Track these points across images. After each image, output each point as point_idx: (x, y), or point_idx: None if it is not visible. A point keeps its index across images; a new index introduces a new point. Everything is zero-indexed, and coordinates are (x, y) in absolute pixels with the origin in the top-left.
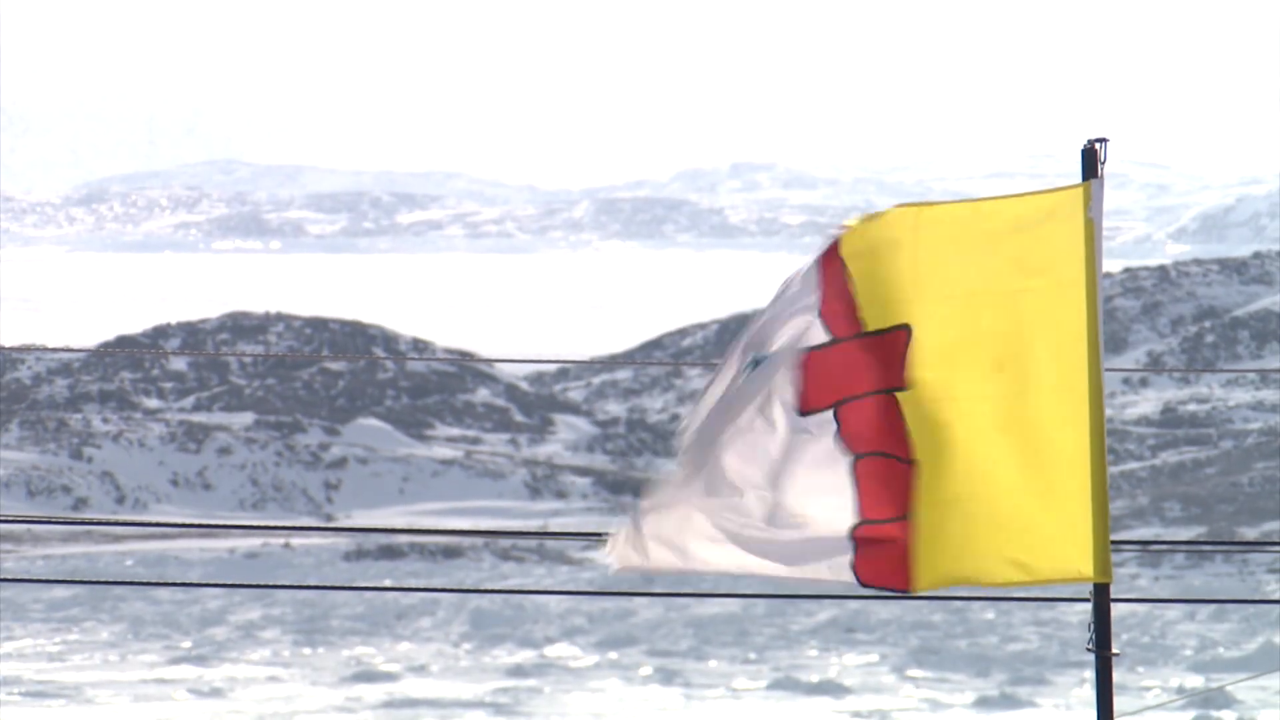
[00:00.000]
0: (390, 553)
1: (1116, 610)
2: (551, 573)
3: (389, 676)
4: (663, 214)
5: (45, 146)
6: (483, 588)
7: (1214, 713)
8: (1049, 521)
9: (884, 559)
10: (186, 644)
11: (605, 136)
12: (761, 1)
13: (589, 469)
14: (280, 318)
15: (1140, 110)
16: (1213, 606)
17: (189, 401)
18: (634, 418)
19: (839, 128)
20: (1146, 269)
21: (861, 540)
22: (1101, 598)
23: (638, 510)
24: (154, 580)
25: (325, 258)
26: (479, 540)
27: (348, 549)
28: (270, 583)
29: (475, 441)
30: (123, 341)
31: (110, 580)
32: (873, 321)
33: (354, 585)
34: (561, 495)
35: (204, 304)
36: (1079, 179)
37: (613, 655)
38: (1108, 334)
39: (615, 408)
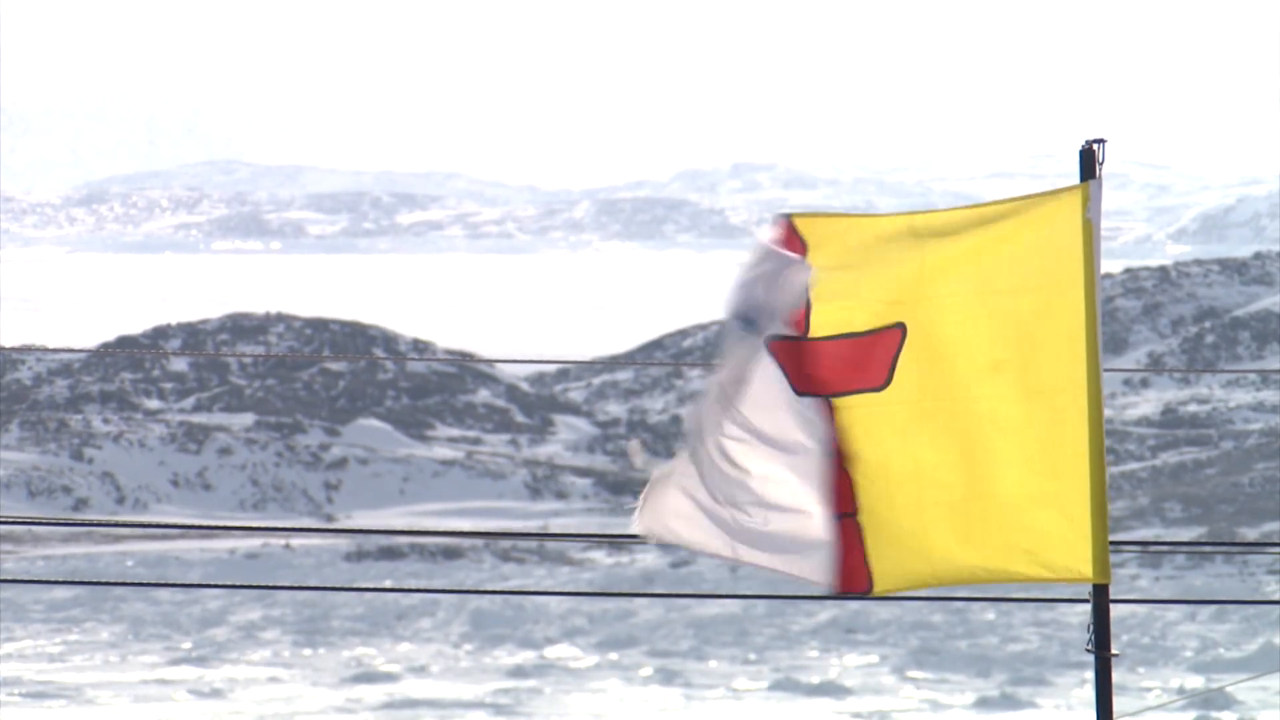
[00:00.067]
0: (391, 553)
1: (1117, 611)
2: (552, 573)
3: (389, 677)
4: (663, 214)
5: (45, 146)
6: (483, 588)
7: (1214, 713)
8: (1048, 522)
9: (842, 561)
10: (187, 645)
11: (605, 136)
12: (761, 1)
13: (589, 470)
14: (280, 318)
15: (1140, 110)
16: (1213, 607)
17: (189, 402)
18: (634, 418)
19: (839, 128)
20: (1147, 269)
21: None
22: (1101, 598)
23: (653, 480)
24: (154, 581)
25: (325, 258)
26: (479, 541)
27: (348, 550)
28: (270, 583)
29: (476, 442)
30: (123, 342)
31: (110, 581)
32: (847, 325)
33: (354, 586)
34: (562, 496)
35: (204, 304)
36: (1078, 179)
37: (613, 656)
38: (1108, 334)
39: (616, 408)
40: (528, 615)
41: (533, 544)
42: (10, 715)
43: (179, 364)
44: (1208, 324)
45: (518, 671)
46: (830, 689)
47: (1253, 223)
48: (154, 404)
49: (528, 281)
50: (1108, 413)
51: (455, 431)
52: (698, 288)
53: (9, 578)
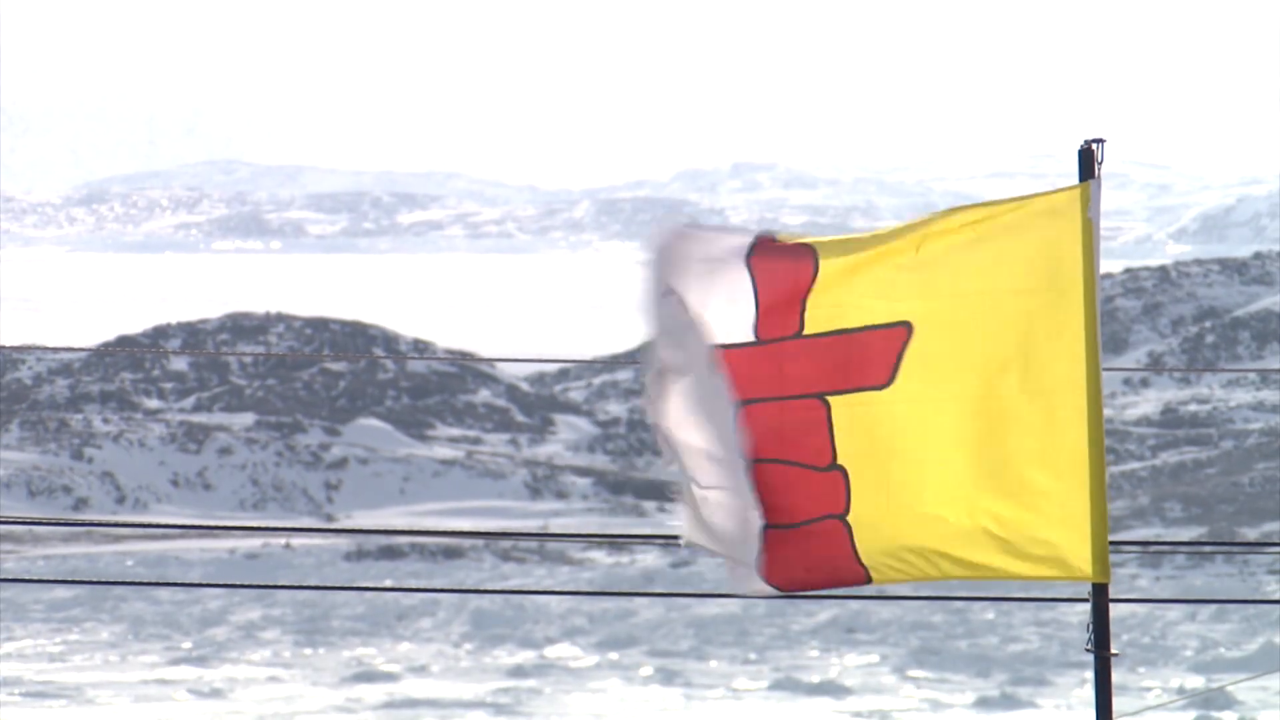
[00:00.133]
0: (391, 553)
1: (1117, 611)
2: (552, 573)
3: (389, 677)
4: (663, 214)
5: (45, 146)
6: (483, 588)
7: (1215, 713)
8: (1048, 521)
9: (822, 553)
10: (187, 644)
11: (605, 136)
12: (762, 1)
13: (590, 469)
14: (281, 318)
15: (1140, 110)
16: (1213, 607)
17: (189, 402)
18: (635, 418)
19: (839, 128)
20: (1147, 269)
21: (769, 543)
22: (1100, 598)
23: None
24: (154, 580)
25: (326, 258)
26: (479, 541)
27: (348, 549)
28: (271, 583)
29: (476, 442)
30: (123, 342)
31: (111, 580)
32: (840, 321)
33: (354, 586)
34: (562, 496)
35: (204, 304)
36: (1078, 179)
37: (613, 656)
38: (1108, 334)
39: (616, 408)
40: (528, 615)
41: (533, 544)
42: (10, 715)
43: (179, 364)
44: (1208, 324)
45: (518, 671)
46: (830, 689)
47: (1253, 223)
48: (154, 404)
49: (528, 281)
50: (1108, 412)
51: (455, 431)
52: None
53: (9, 577)
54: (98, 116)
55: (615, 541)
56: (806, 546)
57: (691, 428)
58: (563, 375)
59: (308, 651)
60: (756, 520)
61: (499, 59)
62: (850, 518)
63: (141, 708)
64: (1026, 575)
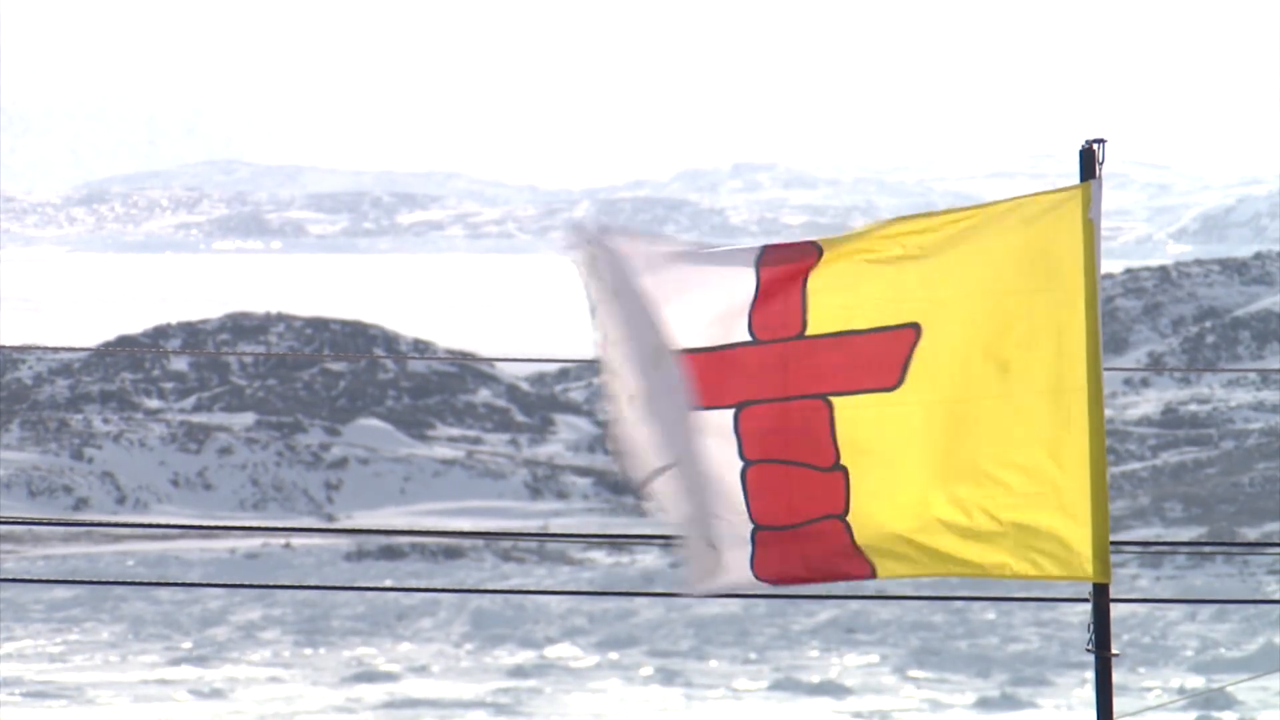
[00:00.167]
0: (391, 553)
1: (1117, 611)
2: (552, 573)
3: (390, 677)
4: (663, 214)
5: (45, 146)
6: (483, 588)
7: (1215, 713)
8: (1050, 520)
9: (821, 552)
10: (187, 644)
11: (605, 136)
12: (762, 1)
13: (590, 469)
14: (281, 318)
15: (1140, 110)
16: (1214, 607)
17: (190, 402)
18: None
19: (839, 128)
20: (1147, 269)
21: (762, 542)
22: (1101, 598)
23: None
24: (154, 580)
25: (326, 258)
26: (480, 541)
27: (348, 549)
28: (271, 583)
29: (476, 442)
30: (123, 342)
31: (111, 580)
32: (847, 322)
33: (355, 585)
34: (562, 496)
35: (204, 304)
36: (1078, 179)
37: (613, 655)
38: (1109, 334)
39: None
40: (528, 615)
41: (533, 544)
42: (10, 715)
43: (179, 363)
44: (1208, 324)
45: (518, 671)
46: (830, 689)
47: (1253, 223)
48: (154, 404)
49: (528, 281)
50: (1108, 412)
51: (455, 431)
52: None
53: (9, 577)
54: (98, 116)
55: (615, 541)
56: (804, 544)
57: (647, 429)
58: (563, 375)
59: (308, 651)
60: (721, 523)
61: (499, 59)
62: (849, 518)
63: (141, 708)
64: (1028, 574)
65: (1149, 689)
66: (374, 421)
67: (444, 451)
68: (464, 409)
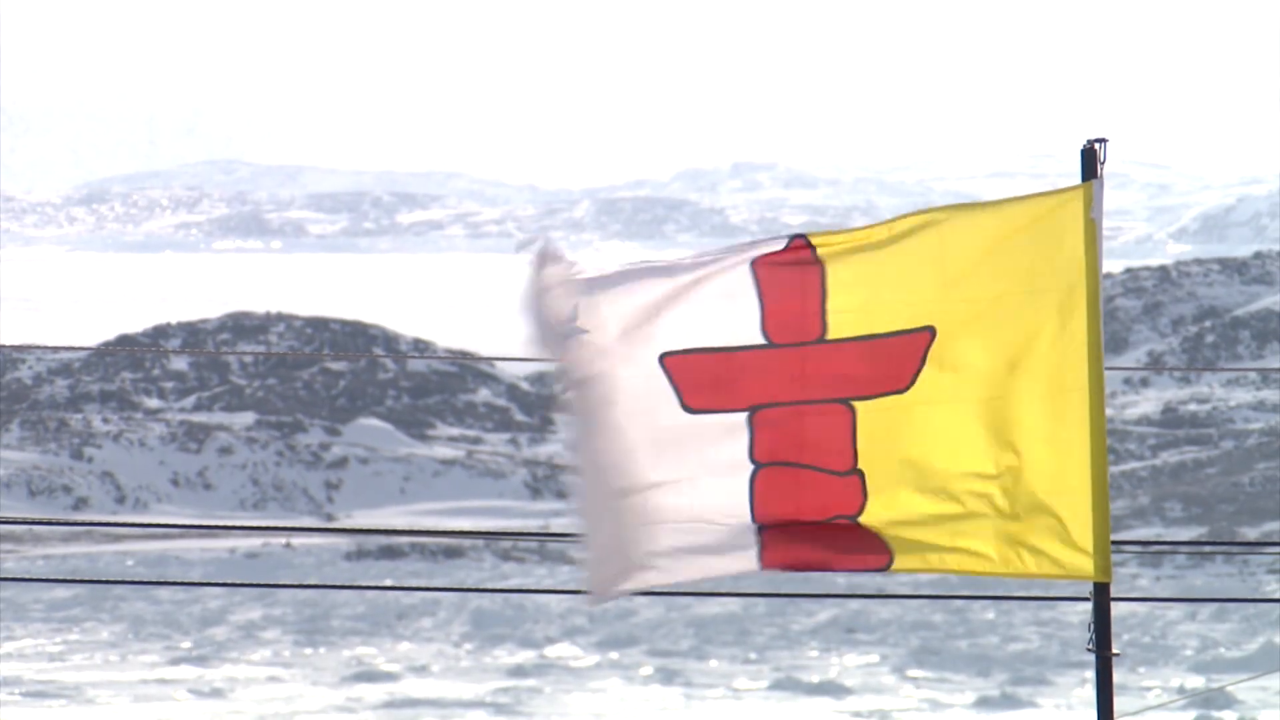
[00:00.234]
0: (391, 553)
1: (1117, 610)
2: (552, 573)
3: (390, 676)
4: (663, 214)
5: (45, 146)
6: (483, 587)
7: (1215, 713)
8: (1051, 519)
9: (832, 543)
10: (187, 644)
11: (605, 136)
12: (762, 1)
13: None
14: (281, 318)
15: (1140, 110)
16: (1213, 606)
17: (190, 401)
18: None
19: (839, 128)
20: (1147, 269)
21: (769, 529)
22: (1102, 597)
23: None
24: (154, 580)
25: (326, 258)
26: (479, 540)
27: (348, 549)
28: (271, 582)
29: (476, 441)
30: (123, 341)
31: (111, 580)
32: (868, 326)
33: (355, 585)
34: (562, 495)
35: (205, 304)
36: (1079, 179)
37: (613, 655)
38: (1109, 334)
39: None
40: (528, 614)
41: (533, 544)
42: (10, 715)
43: (179, 363)
44: (1208, 323)
45: (518, 671)
46: (830, 688)
47: (1253, 222)
48: (154, 403)
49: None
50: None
51: (455, 431)
52: None
53: (9, 577)
54: (98, 116)
55: None
56: (815, 535)
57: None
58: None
59: (308, 651)
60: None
61: (499, 59)
62: (862, 519)
63: (141, 708)
64: (1029, 572)
65: (1149, 689)
66: (374, 421)
67: (444, 451)
68: (464, 409)
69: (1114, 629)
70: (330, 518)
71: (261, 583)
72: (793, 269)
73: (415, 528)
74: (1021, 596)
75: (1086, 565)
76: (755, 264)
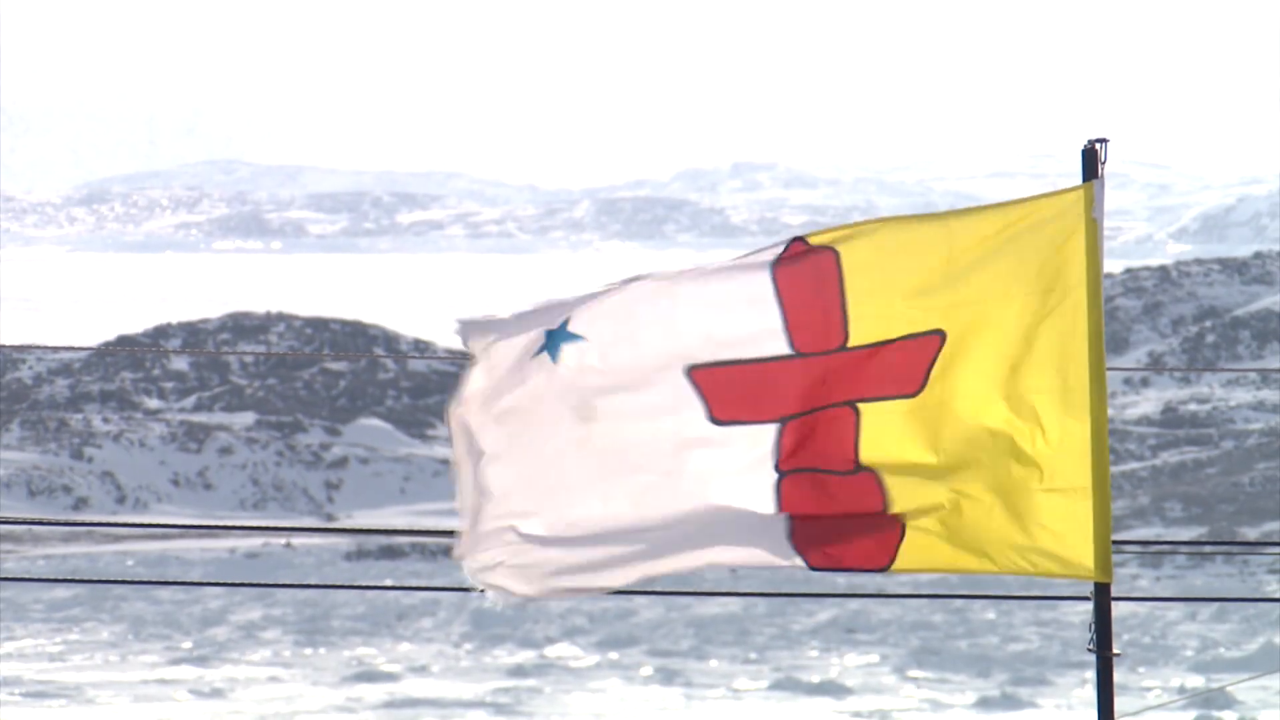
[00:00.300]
0: (391, 553)
1: (1117, 610)
2: None
3: (390, 676)
4: (663, 214)
5: (45, 146)
6: None
7: (1215, 713)
8: (1052, 519)
9: (852, 540)
10: (187, 644)
11: (605, 136)
12: (762, 1)
13: None
14: (281, 318)
15: (1140, 110)
16: (1214, 606)
17: (190, 401)
18: None
19: (839, 128)
20: (1147, 269)
21: (799, 519)
22: (1102, 597)
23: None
24: (154, 580)
25: (326, 258)
26: None
27: (349, 549)
28: (271, 582)
29: None
30: (123, 341)
31: (111, 580)
32: (885, 332)
33: (355, 585)
34: None
35: (205, 304)
36: (1080, 179)
37: (613, 655)
38: (1109, 334)
39: None
40: (528, 615)
41: None
42: (10, 715)
43: (179, 363)
44: (1208, 323)
45: (518, 671)
46: (830, 689)
47: (1253, 222)
48: (154, 403)
49: (528, 281)
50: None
51: None
52: None
53: (9, 577)
54: (98, 116)
55: None
56: (841, 529)
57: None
58: None
59: (308, 651)
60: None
61: (499, 59)
62: (893, 509)
63: (141, 708)
64: (1031, 572)
65: (1149, 689)
66: (374, 421)
67: (444, 451)
68: None
69: (1114, 629)
70: (330, 518)
71: (261, 583)
72: (809, 272)
73: (415, 528)
74: (1022, 596)
75: (1087, 565)
76: (775, 271)
